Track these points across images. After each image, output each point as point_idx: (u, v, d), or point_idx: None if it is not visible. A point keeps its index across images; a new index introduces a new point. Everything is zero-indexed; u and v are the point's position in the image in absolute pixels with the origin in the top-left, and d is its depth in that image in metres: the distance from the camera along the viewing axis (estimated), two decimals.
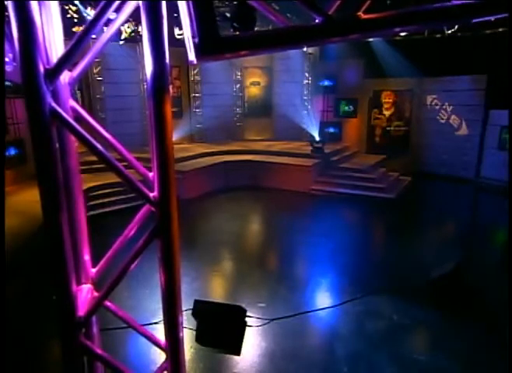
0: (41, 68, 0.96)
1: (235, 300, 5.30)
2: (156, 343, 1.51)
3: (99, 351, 1.23)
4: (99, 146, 1.11)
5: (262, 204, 10.47)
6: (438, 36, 11.47)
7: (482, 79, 11.39)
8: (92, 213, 8.49)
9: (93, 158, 6.08)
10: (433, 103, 12.42)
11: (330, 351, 4.51)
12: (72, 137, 1.22)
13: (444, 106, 12.23)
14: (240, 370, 4.20)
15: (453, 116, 12.13)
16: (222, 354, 4.19)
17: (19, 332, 4.55)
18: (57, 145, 1.13)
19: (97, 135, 1.23)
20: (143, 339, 4.46)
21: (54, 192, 1.11)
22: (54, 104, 1.01)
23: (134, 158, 1.26)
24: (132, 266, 1.23)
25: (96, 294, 1.32)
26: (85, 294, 1.27)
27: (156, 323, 4.53)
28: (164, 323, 1.35)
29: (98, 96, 12.47)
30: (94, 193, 9.10)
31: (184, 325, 1.54)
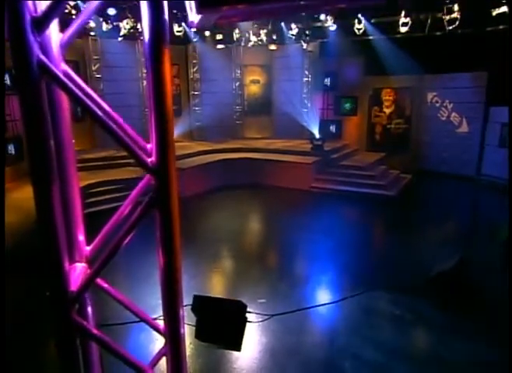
0: (28, 16, 0.89)
1: (235, 296, 5.22)
2: (155, 328, 1.44)
3: (93, 330, 1.16)
4: (91, 105, 1.04)
5: (262, 202, 10.41)
6: (438, 33, 11.40)
7: (483, 76, 11.34)
8: (89, 210, 8.41)
9: (91, 156, 6.02)
10: (434, 101, 12.37)
11: (330, 347, 4.45)
12: (65, 105, 1.14)
13: (445, 104, 12.17)
14: (240, 365, 4.13)
15: (453, 114, 12.07)
16: (222, 350, 4.14)
17: (18, 330, 4.47)
18: (49, 116, 1.06)
19: (93, 105, 1.15)
20: (141, 336, 4.37)
21: (43, 160, 1.04)
22: (42, 56, 0.93)
23: (131, 129, 1.19)
24: (127, 240, 1.15)
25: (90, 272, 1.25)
26: (78, 272, 1.20)
27: (155, 319, 4.44)
28: (163, 305, 1.28)
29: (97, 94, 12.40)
30: (91, 191, 9.02)
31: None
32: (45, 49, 0.99)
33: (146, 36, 1.04)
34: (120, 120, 1.17)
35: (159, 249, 1.20)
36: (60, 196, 1.21)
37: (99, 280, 1.38)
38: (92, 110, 1.04)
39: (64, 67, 1.06)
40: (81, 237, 1.37)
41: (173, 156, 1.11)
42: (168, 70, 1.06)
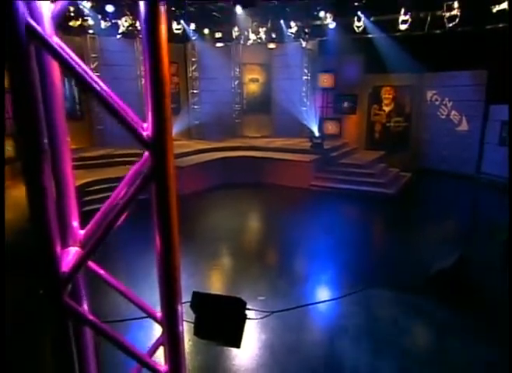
0: None
1: (235, 294, 5.17)
2: (152, 316, 1.39)
3: (87, 315, 1.11)
4: (86, 76, 0.98)
5: (262, 200, 10.36)
6: (438, 31, 11.38)
7: (483, 74, 11.31)
8: (87, 208, 8.34)
9: (89, 154, 5.96)
10: (433, 99, 12.34)
11: (330, 344, 4.40)
12: (56, 73, 1.08)
13: (444, 102, 12.15)
14: (240, 363, 4.07)
15: (453, 112, 12.05)
16: (222, 347, 4.09)
17: (17, 330, 4.40)
18: (40, 87, 1.01)
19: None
20: (140, 334, 4.29)
21: (33, 134, 0.98)
22: (30, 19, 0.88)
23: (128, 108, 1.14)
24: (122, 217, 1.10)
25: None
26: (71, 255, 1.15)
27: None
28: (160, 291, 1.23)
29: None
30: (89, 189, 8.96)
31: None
32: (35, 17, 0.93)
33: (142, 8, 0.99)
34: (117, 99, 1.12)
35: (156, 217, 1.14)
36: (51, 179, 1.16)
37: (94, 266, 1.34)
38: (87, 81, 0.99)
39: (57, 40, 1.01)
40: (75, 223, 1.32)
41: (170, 130, 1.06)
42: (165, 37, 1.00)
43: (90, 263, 1.30)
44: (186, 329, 3.30)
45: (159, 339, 1.41)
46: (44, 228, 1.15)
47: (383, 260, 6.53)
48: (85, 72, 0.99)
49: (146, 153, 1.15)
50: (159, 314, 1.33)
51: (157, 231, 1.11)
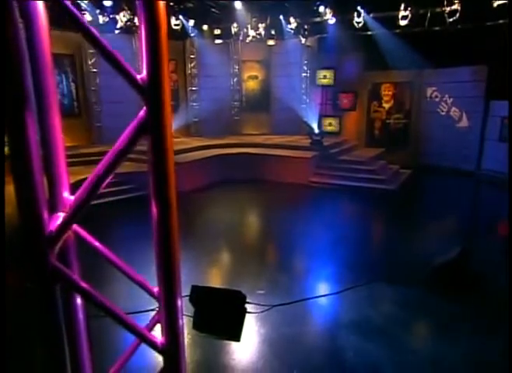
0: None
1: (234, 287, 5.08)
2: (148, 291, 1.31)
3: (77, 279, 1.02)
4: (78, 14, 0.90)
5: (261, 197, 10.28)
6: (438, 28, 11.34)
7: (483, 70, 11.26)
8: None
9: (87, 151, 5.86)
10: (433, 95, 12.29)
11: (331, 337, 4.32)
12: (44, 30, 0.99)
13: (444, 98, 12.09)
14: (239, 356, 3.99)
15: (453, 108, 11.99)
16: (221, 341, 4.01)
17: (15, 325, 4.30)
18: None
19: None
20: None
21: (16, 83, 0.90)
22: None
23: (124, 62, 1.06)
24: (112, 173, 1.01)
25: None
26: (60, 220, 1.06)
27: (152, 310, 4.29)
28: (157, 263, 1.15)
29: (93, 88, 12.26)
30: None
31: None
32: None
33: None
34: (112, 51, 1.04)
35: (151, 188, 1.04)
36: (36, 135, 1.08)
37: (90, 238, 1.25)
38: (79, 19, 0.90)
39: None
40: (65, 193, 1.24)
41: (167, 73, 0.98)
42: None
43: (86, 235, 1.22)
44: (185, 323, 3.21)
45: (155, 316, 1.33)
46: (29, 192, 1.06)
47: (384, 254, 6.47)
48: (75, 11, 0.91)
49: (141, 112, 1.07)
50: (156, 289, 1.25)
51: (152, 189, 1.02)
